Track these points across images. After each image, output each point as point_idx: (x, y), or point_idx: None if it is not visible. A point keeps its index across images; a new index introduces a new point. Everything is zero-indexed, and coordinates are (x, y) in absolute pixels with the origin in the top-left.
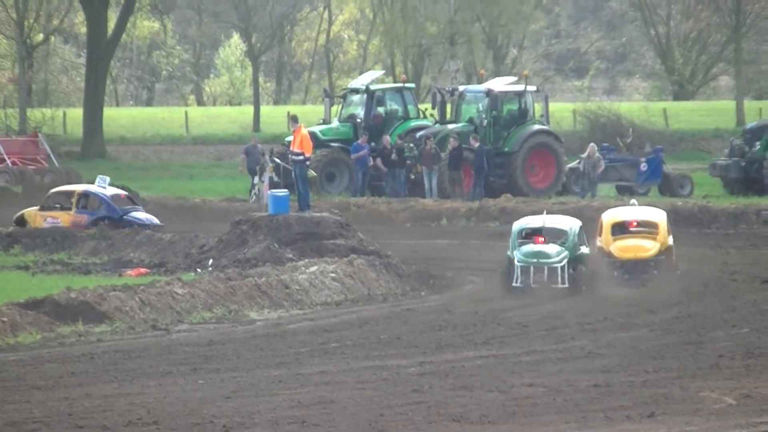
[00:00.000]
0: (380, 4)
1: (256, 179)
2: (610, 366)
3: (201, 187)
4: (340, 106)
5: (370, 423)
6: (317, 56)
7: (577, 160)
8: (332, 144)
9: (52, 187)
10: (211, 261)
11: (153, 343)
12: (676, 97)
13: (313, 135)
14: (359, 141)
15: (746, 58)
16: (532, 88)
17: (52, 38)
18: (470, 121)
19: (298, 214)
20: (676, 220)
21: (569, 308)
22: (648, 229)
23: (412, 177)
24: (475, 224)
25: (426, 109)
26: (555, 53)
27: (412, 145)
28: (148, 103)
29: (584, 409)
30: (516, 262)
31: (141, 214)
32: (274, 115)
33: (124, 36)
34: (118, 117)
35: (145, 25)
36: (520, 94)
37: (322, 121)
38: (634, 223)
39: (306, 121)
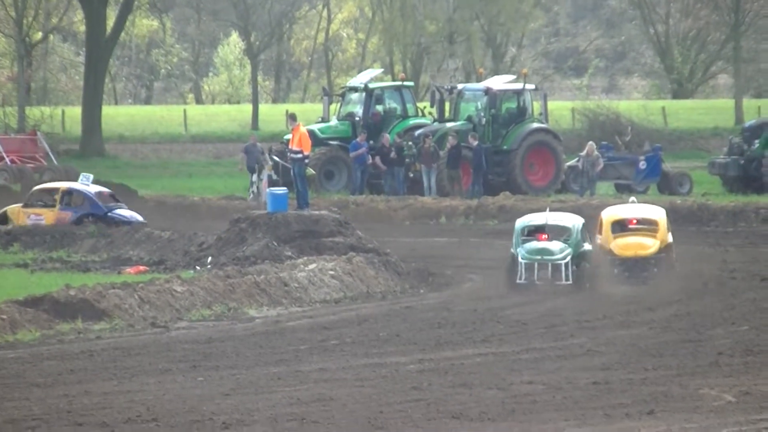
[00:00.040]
0: (379, 3)
1: (255, 177)
2: (610, 363)
3: (200, 185)
4: (339, 104)
5: (369, 420)
6: (316, 54)
7: (576, 159)
8: (331, 142)
9: None
10: (210, 259)
11: (152, 341)
12: (675, 96)
13: (311, 133)
14: (358, 139)
15: (745, 57)
16: (530, 86)
17: (51, 36)
18: (469, 119)
19: (296, 212)
20: (675, 218)
21: (568, 306)
22: (648, 226)
23: (411, 175)
24: (474, 222)
25: (425, 108)
26: (554, 51)
27: (410, 143)
28: (147, 101)
29: (583, 406)
30: (520, 259)
31: (125, 212)
32: (272, 114)
33: (123, 34)
34: (117, 115)
35: (144, 24)
36: (518, 93)
37: (320, 119)
38: (634, 221)
39: (305, 119)
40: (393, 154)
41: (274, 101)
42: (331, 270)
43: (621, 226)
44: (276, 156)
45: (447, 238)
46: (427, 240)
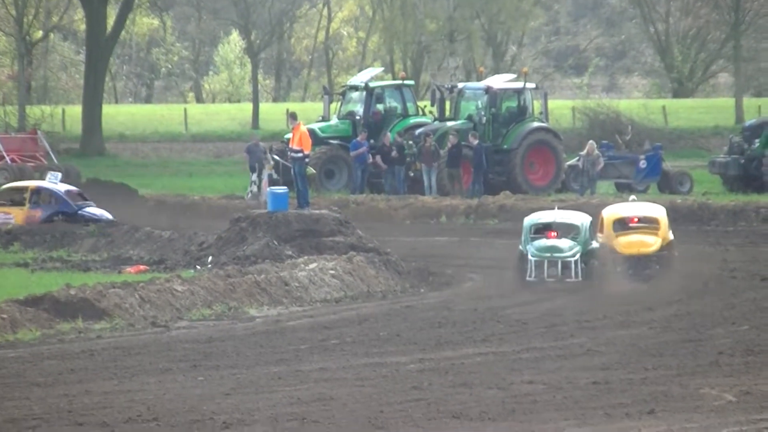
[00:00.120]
0: (380, 1)
1: (255, 176)
2: (610, 363)
3: (200, 184)
4: (339, 103)
5: (370, 420)
6: (316, 53)
7: (576, 158)
8: (331, 141)
9: None
10: (210, 258)
11: (152, 340)
12: (676, 95)
13: (312, 132)
14: (358, 138)
15: (745, 56)
16: (531, 85)
17: (52, 35)
18: (469, 118)
19: (297, 212)
20: (675, 217)
21: (568, 306)
22: (649, 224)
23: (412, 174)
24: (474, 221)
25: (425, 107)
26: (554, 50)
27: (411, 142)
28: (147, 100)
29: (584, 406)
30: (530, 256)
31: (95, 210)
32: (273, 113)
33: (123, 33)
34: (117, 114)
35: (144, 22)
36: (519, 92)
37: (321, 118)
38: (635, 219)
39: (305, 118)
40: (393, 153)
41: (275, 100)
42: (332, 269)
43: (622, 225)
44: (276, 155)
45: (447, 238)
46: (428, 239)
